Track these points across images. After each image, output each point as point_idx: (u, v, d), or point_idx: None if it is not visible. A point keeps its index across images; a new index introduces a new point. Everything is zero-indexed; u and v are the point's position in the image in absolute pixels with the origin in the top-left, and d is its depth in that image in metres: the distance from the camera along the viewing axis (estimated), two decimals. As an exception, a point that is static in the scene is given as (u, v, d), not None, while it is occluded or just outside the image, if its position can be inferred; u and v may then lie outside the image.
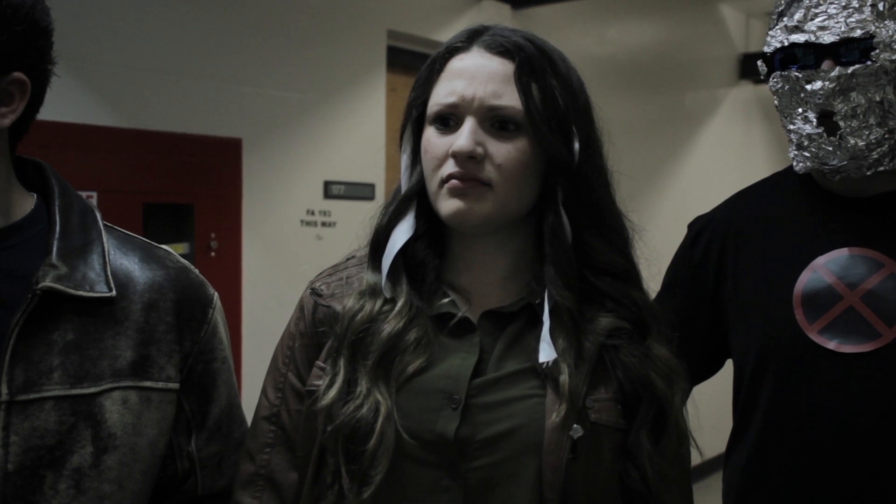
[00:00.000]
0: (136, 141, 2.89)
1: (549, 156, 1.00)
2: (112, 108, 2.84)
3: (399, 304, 1.02)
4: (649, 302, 1.06)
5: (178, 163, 3.02)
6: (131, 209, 2.85)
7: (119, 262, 1.03)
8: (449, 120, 1.01)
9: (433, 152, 1.01)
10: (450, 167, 0.99)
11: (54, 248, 0.97)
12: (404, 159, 1.07)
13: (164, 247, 1.11)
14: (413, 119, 1.07)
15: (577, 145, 1.02)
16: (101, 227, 1.04)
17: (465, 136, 0.98)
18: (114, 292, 0.99)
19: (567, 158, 1.01)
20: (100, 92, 2.80)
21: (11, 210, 0.99)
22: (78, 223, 1.01)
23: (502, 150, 0.99)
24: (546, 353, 0.98)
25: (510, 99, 0.99)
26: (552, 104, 1.00)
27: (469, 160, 0.98)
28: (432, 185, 1.02)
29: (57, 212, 1.00)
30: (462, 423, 0.97)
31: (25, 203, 1.01)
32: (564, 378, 0.97)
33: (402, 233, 1.04)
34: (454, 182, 0.99)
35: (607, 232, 1.04)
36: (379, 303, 1.02)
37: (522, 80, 1.00)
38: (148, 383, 1.01)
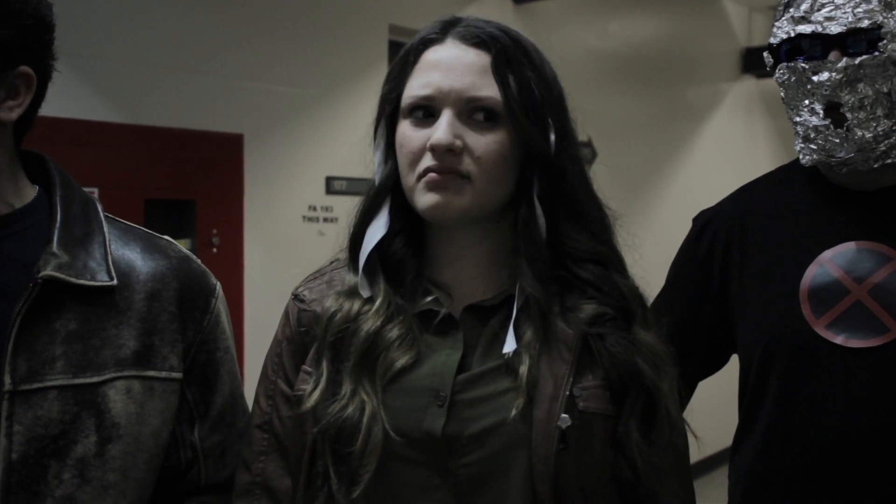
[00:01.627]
0: (137, 137, 2.89)
1: (527, 147, 1.00)
2: (113, 103, 2.84)
3: (377, 302, 1.01)
4: (634, 288, 1.05)
5: (180, 158, 3.02)
6: (133, 205, 2.85)
7: (121, 252, 1.03)
8: (424, 113, 1.00)
9: (409, 146, 1.00)
10: (427, 161, 0.98)
11: (55, 237, 0.97)
12: (378, 155, 1.06)
13: (165, 237, 1.11)
14: (387, 114, 1.05)
15: (552, 136, 1.01)
16: (102, 218, 1.04)
17: (443, 128, 0.97)
18: (115, 281, 0.99)
19: (545, 149, 1.00)
20: (101, 88, 2.80)
21: (13, 200, 1.00)
22: (79, 213, 1.02)
23: (481, 143, 0.98)
24: (509, 344, 0.98)
25: (488, 90, 0.98)
26: (529, 95, 1.00)
27: (447, 153, 0.97)
28: (409, 179, 1.00)
29: (58, 201, 1.01)
30: (449, 419, 0.97)
31: (27, 194, 1.02)
32: (524, 369, 0.96)
33: (376, 230, 1.03)
34: (432, 175, 0.98)
35: (585, 221, 1.03)
36: (358, 303, 1.02)
37: (500, 71, 0.99)
38: (151, 373, 1.01)
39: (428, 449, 0.97)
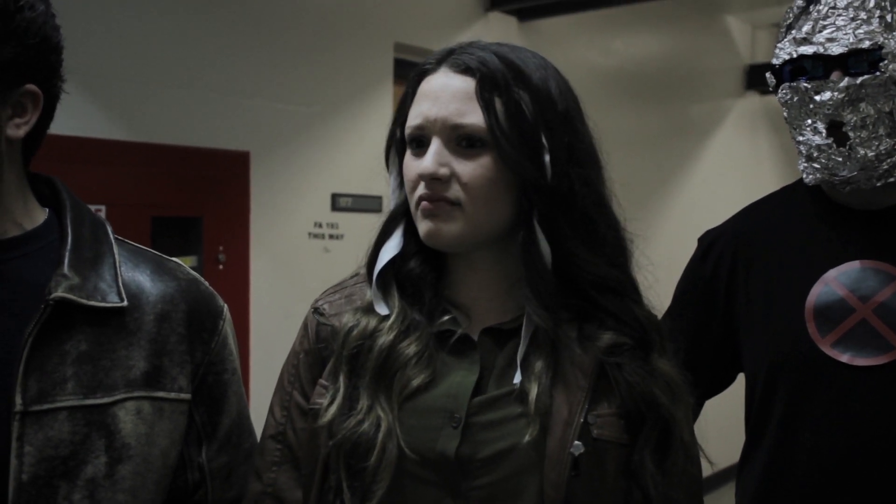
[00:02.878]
0: (144, 154, 2.90)
1: (515, 173, 0.99)
2: (120, 121, 2.85)
3: (392, 317, 1.02)
4: (652, 316, 1.05)
5: (186, 176, 3.03)
6: (139, 222, 2.86)
7: (130, 274, 1.04)
8: (421, 142, 1.02)
9: (408, 175, 1.03)
10: (421, 189, 1.00)
11: (66, 259, 0.98)
12: (392, 180, 1.08)
13: (174, 259, 1.11)
14: (397, 141, 1.07)
15: (547, 158, 0.99)
16: (112, 240, 1.05)
17: (428, 158, 0.99)
18: (125, 302, 1.00)
19: (533, 173, 0.99)
20: (107, 105, 2.82)
21: (24, 221, 1.00)
22: (89, 235, 1.02)
23: (468, 169, 0.99)
24: (517, 376, 0.99)
25: (473, 117, 0.98)
26: (518, 118, 0.99)
27: (435, 181, 0.98)
28: (411, 206, 1.03)
29: (69, 224, 1.01)
30: (463, 441, 0.97)
31: (38, 215, 1.03)
32: (533, 397, 0.96)
33: (388, 250, 1.05)
34: (424, 204, 1.00)
35: (598, 244, 1.02)
36: (375, 319, 1.03)
37: (484, 96, 0.99)
38: (161, 394, 1.01)
39: (441, 470, 0.97)
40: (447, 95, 1.00)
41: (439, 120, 0.99)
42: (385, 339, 1.01)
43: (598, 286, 1.01)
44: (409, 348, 1.00)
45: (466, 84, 1.00)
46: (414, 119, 1.02)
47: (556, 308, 0.99)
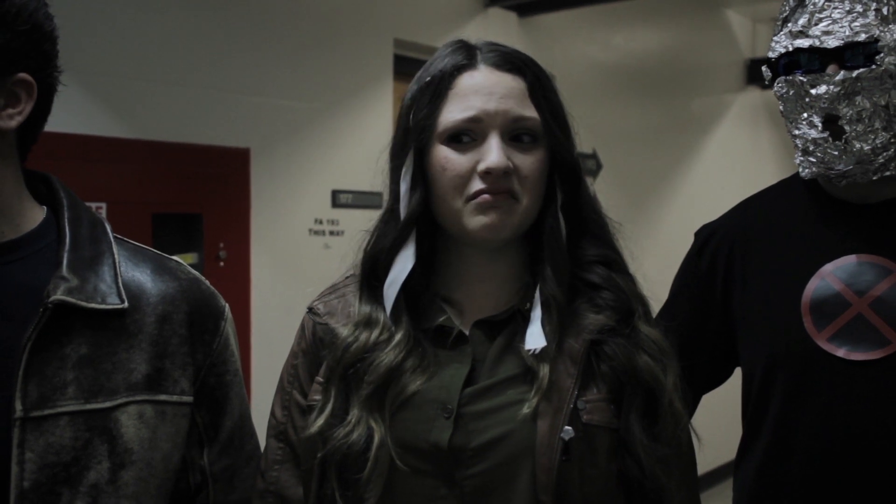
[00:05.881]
0: (144, 151, 2.91)
1: (562, 164, 1.05)
2: (120, 118, 2.86)
3: (398, 335, 1.03)
4: (633, 287, 1.08)
5: (187, 173, 3.04)
6: (140, 219, 2.86)
7: (131, 274, 1.02)
8: (464, 137, 1.02)
9: (455, 170, 1.02)
10: (478, 183, 1.01)
11: (65, 261, 0.96)
12: (405, 183, 1.05)
13: (175, 258, 1.10)
14: (418, 140, 1.04)
15: (576, 152, 1.08)
16: (112, 239, 1.03)
17: (496, 152, 1.00)
18: (126, 304, 0.98)
19: (576, 165, 1.07)
20: (107, 103, 2.82)
21: (21, 221, 0.99)
22: (88, 235, 1.01)
23: (526, 163, 1.02)
24: (532, 341, 1.00)
25: (530, 112, 1.03)
26: (559, 116, 1.07)
27: (501, 175, 1.00)
28: (455, 203, 1.02)
29: (66, 224, 1.00)
30: (455, 431, 0.99)
31: (35, 215, 1.01)
32: (545, 372, 0.99)
33: (405, 260, 1.04)
34: (485, 197, 1.00)
35: (591, 228, 1.09)
36: (376, 332, 1.03)
37: (536, 94, 1.04)
38: (163, 397, 1.00)
39: (435, 460, 0.99)
40: (502, 91, 1.03)
41: (500, 113, 1.01)
42: (394, 357, 1.01)
43: (590, 263, 1.06)
44: (409, 362, 1.02)
45: (518, 83, 1.04)
46: (463, 112, 1.02)
47: (567, 285, 1.04)
